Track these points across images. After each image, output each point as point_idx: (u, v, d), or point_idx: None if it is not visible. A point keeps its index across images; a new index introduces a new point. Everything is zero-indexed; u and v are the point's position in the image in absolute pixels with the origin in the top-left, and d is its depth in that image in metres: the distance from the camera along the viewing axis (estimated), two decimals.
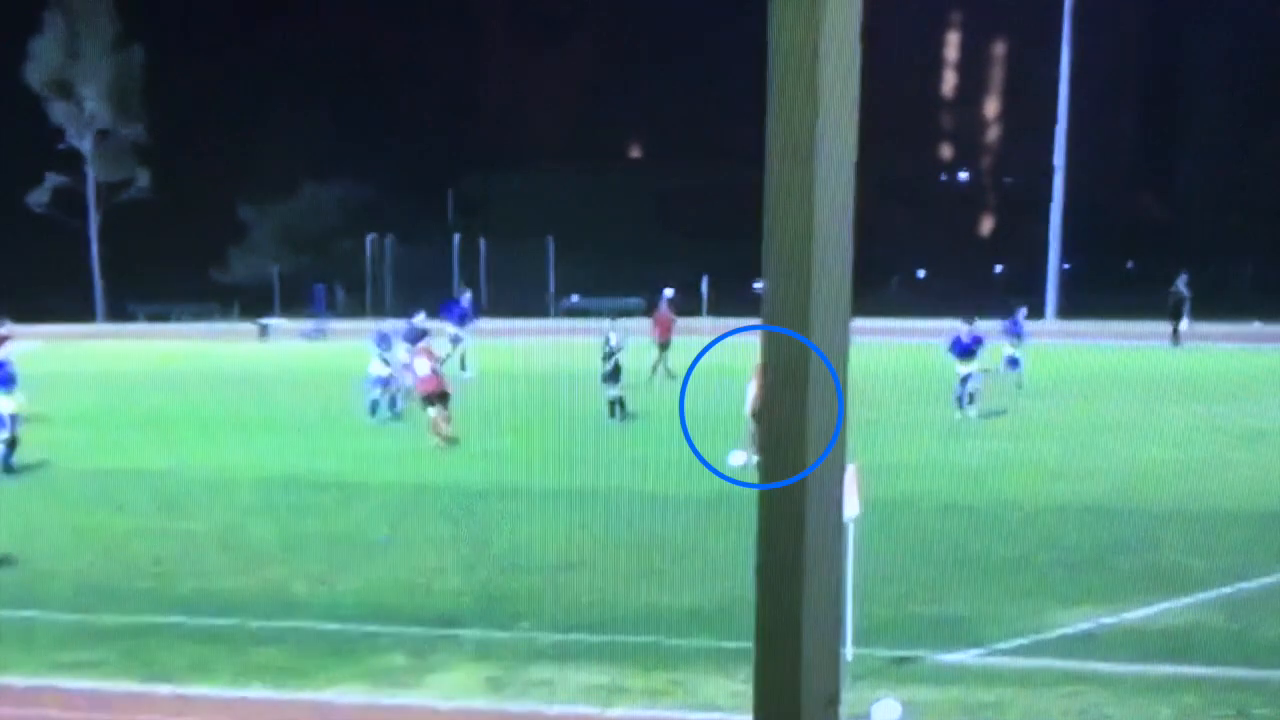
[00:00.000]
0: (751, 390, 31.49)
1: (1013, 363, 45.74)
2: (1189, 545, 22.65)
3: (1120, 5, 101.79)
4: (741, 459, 30.81)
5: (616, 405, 39.04)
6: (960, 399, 39.46)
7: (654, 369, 48.06)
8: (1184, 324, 63.68)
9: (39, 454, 31.98)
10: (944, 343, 40.72)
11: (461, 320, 50.89)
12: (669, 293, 55.98)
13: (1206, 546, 22.58)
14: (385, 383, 39.70)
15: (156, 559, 22.86)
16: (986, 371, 40.93)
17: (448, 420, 35.45)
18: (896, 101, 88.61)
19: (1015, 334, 47.31)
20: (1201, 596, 19.65)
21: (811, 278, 2.56)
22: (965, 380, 39.58)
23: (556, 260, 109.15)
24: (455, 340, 48.59)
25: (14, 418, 31.99)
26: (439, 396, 35.84)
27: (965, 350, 39.80)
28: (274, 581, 21.41)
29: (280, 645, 17.99)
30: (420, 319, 44.27)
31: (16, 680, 16.98)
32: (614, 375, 39.21)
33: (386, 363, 39.91)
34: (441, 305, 51.25)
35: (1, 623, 19.17)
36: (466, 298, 53.98)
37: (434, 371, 36.42)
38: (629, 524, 24.44)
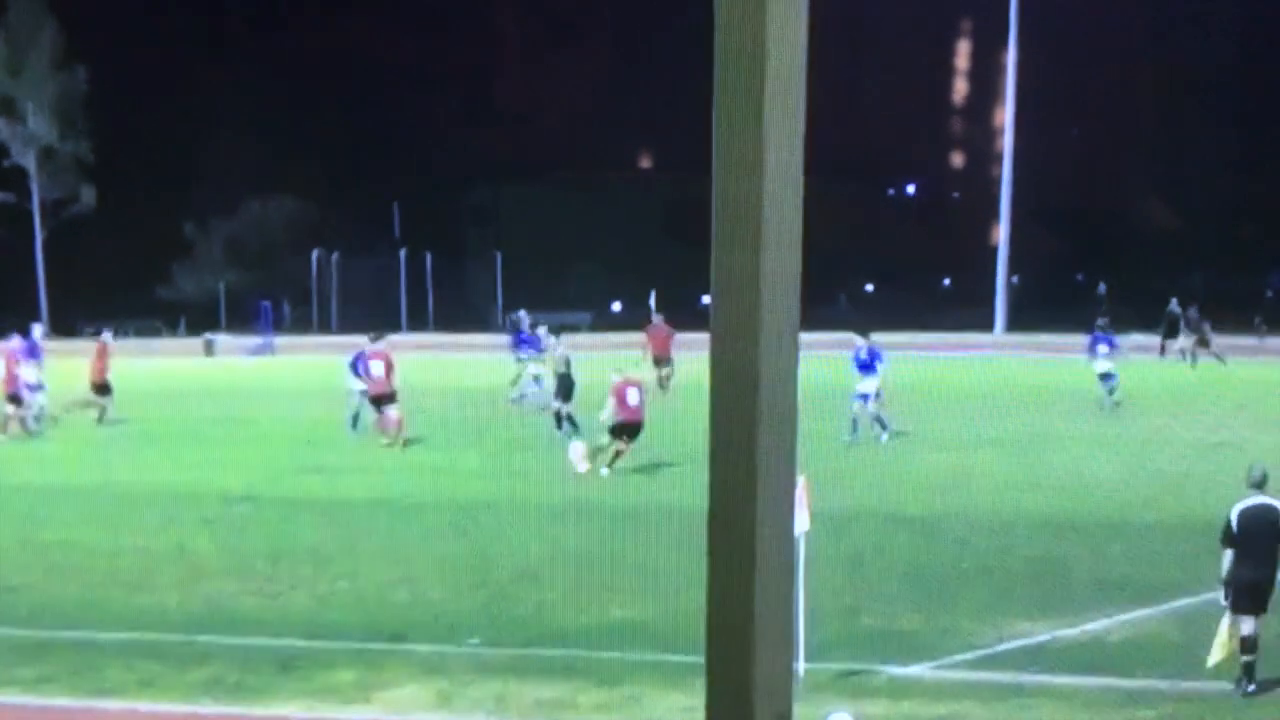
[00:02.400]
0: (611, 403, 32.69)
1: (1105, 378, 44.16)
2: (1142, 557, 22.72)
3: (1065, 21, 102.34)
4: (584, 466, 31.25)
5: (566, 419, 39.10)
6: (855, 421, 37.40)
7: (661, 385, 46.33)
8: (1182, 340, 63.93)
9: None
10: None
11: (522, 346, 49.19)
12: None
13: (1159, 558, 22.66)
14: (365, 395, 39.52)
15: (100, 574, 22.72)
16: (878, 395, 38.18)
17: (399, 423, 37.20)
18: (843, 116, 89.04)
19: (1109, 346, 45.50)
20: (1157, 609, 19.68)
21: (760, 290, 2.55)
22: (865, 399, 37.71)
23: (504, 275, 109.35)
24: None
25: None
26: (388, 398, 37.66)
27: (864, 366, 37.99)
28: (219, 597, 21.28)
29: (228, 661, 17.89)
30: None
31: None
32: (567, 391, 39.22)
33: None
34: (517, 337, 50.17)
35: None
36: (527, 323, 51.45)
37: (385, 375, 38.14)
38: (584, 537, 24.40)
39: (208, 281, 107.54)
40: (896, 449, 35.63)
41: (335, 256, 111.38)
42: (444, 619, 19.71)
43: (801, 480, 13.98)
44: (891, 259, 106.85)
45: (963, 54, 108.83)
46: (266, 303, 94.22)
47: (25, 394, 40.63)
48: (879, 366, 38.15)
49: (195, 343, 72.68)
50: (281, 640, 18.74)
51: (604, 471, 31.85)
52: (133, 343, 71.80)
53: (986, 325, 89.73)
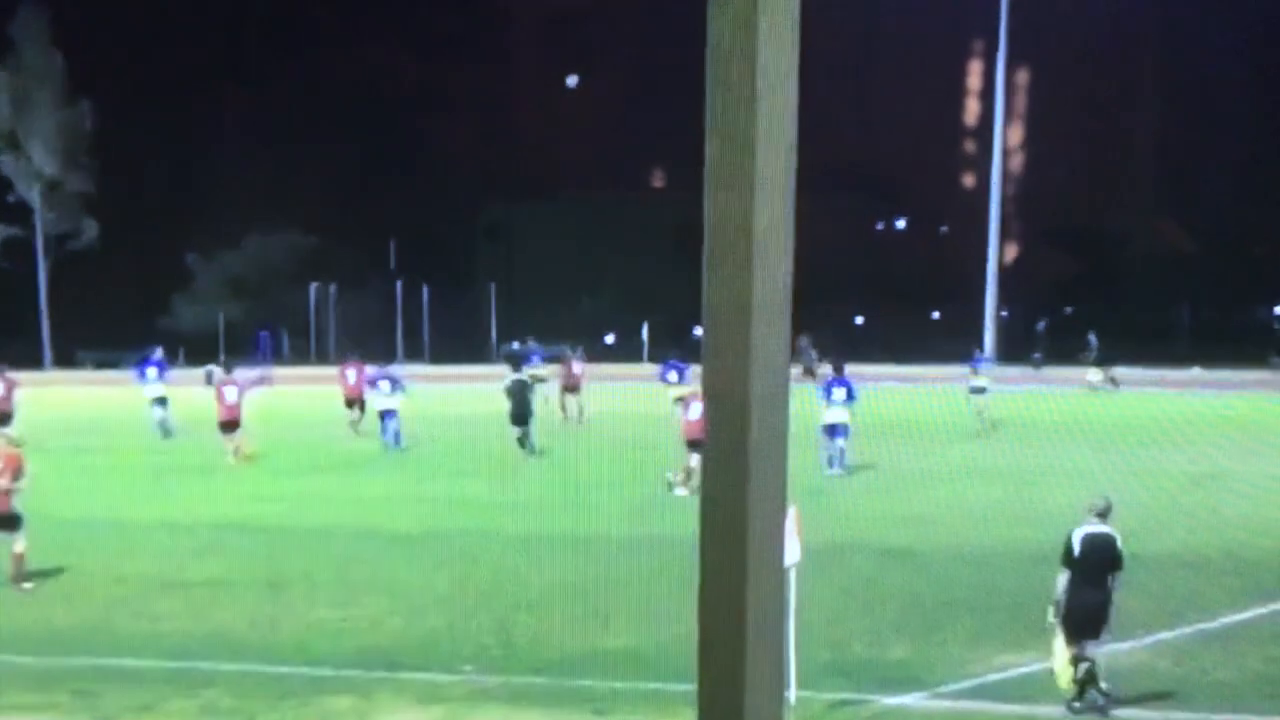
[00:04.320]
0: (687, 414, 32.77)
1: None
2: (1132, 588, 22.79)
3: (1052, 55, 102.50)
4: (683, 491, 31.28)
5: (525, 440, 41.56)
6: (832, 457, 37.26)
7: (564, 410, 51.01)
8: (1095, 373, 64.75)
9: None
10: (875, 387, 39.95)
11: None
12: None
13: (1149, 589, 22.74)
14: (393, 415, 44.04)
15: (101, 604, 22.79)
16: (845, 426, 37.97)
17: (240, 445, 40.74)
18: (835, 147, 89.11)
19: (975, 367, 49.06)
20: (1146, 640, 19.77)
21: (752, 317, 2.56)
22: (838, 433, 37.42)
23: (498, 307, 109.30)
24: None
25: None
26: (235, 423, 41.44)
27: (832, 397, 37.82)
28: (215, 624, 21.36)
29: (225, 687, 17.97)
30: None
31: None
32: (526, 415, 41.85)
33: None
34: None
35: None
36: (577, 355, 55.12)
37: (237, 403, 42.12)
38: (575, 567, 24.51)
39: (208, 313, 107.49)
40: (883, 481, 35.58)
41: (333, 288, 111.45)
42: (440, 647, 19.79)
43: (793, 510, 14.15)
44: (881, 292, 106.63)
45: (953, 87, 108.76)
46: (265, 333, 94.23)
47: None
48: (847, 400, 37.91)
49: (196, 373, 72.58)
50: (278, 667, 18.83)
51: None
52: (134, 373, 71.66)
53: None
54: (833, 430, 37.44)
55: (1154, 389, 62.02)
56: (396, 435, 43.90)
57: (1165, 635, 19.98)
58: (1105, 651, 17.63)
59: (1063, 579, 17.03)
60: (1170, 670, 18.49)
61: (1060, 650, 16.89)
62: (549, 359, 58.13)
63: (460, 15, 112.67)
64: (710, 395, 2.64)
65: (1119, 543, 16.98)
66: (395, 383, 45.20)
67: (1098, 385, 63.85)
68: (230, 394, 42.04)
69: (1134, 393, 60.43)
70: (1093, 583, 16.84)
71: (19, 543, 24.63)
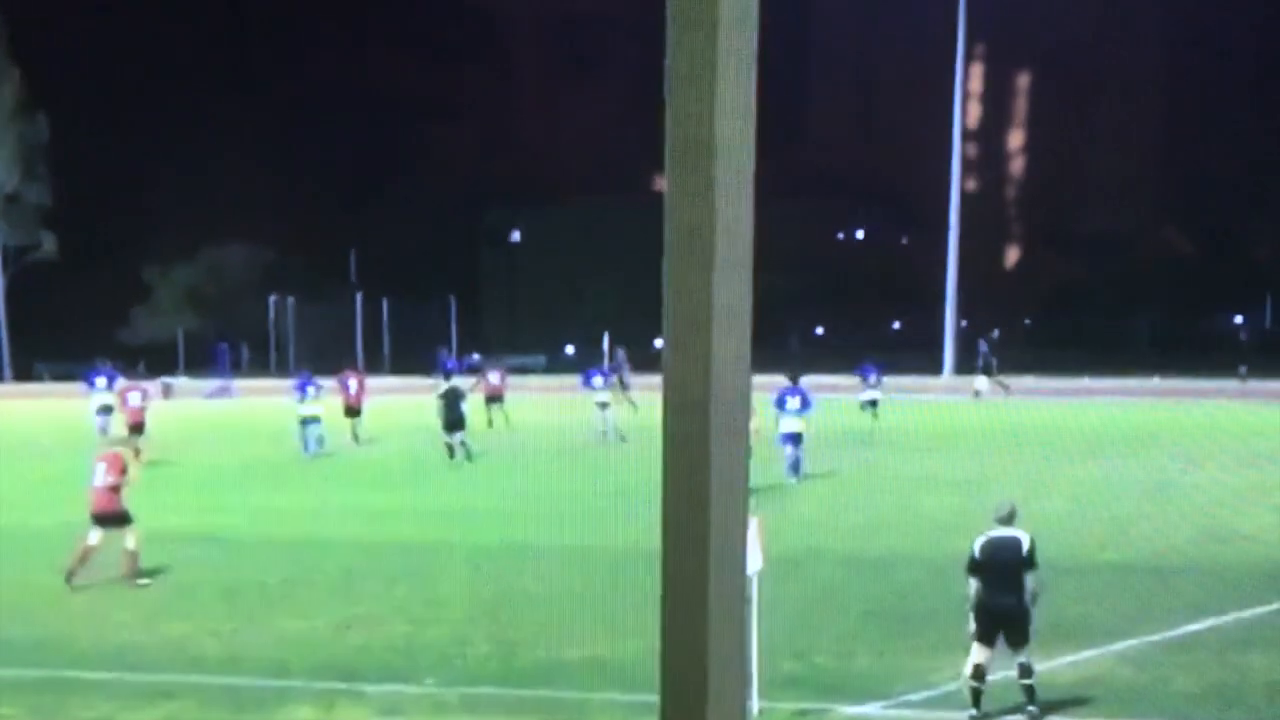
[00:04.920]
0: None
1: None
2: (1092, 597, 22.86)
3: (1010, 62, 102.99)
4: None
5: (458, 447, 43.09)
6: (794, 464, 37.46)
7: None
8: (982, 381, 65.35)
9: None
10: (842, 397, 40.38)
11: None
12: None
13: (1110, 598, 22.82)
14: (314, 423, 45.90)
15: (59, 616, 22.69)
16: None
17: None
18: (794, 157, 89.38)
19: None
20: (1107, 649, 19.82)
21: (712, 323, 2.57)
22: (793, 441, 37.58)
23: (459, 319, 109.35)
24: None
25: None
26: (142, 425, 43.32)
27: (785, 407, 37.84)
28: (175, 636, 21.29)
29: (186, 699, 17.90)
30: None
31: None
32: (459, 422, 43.52)
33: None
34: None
35: None
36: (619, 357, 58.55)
37: (141, 407, 44.53)
38: (536, 576, 24.55)
39: (166, 325, 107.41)
40: (846, 490, 35.73)
41: (291, 301, 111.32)
42: (400, 658, 19.76)
43: (755, 520, 14.15)
44: (841, 302, 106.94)
45: (910, 96, 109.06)
46: (224, 346, 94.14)
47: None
48: (803, 408, 37.98)
49: (154, 386, 72.69)
50: (238, 679, 18.77)
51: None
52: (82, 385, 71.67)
53: (935, 368, 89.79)
54: (788, 439, 37.54)
55: (1108, 398, 62.24)
56: (319, 440, 45.49)
57: (1126, 644, 20.02)
58: (1067, 662, 17.68)
59: (972, 585, 17.12)
60: (1133, 679, 18.52)
61: (973, 654, 16.99)
62: (468, 369, 62.74)
63: (430, 19, 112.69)
64: (670, 402, 2.62)
65: (1025, 545, 16.98)
66: (318, 388, 46.93)
67: (985, 394, 64.17)
68: (134, 399, 44.53)
69: (1078, 402, 60.67)
70: (1001, 587, 16.89)
71: (130, 539, 25.22)
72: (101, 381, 50.62)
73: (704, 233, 2.53)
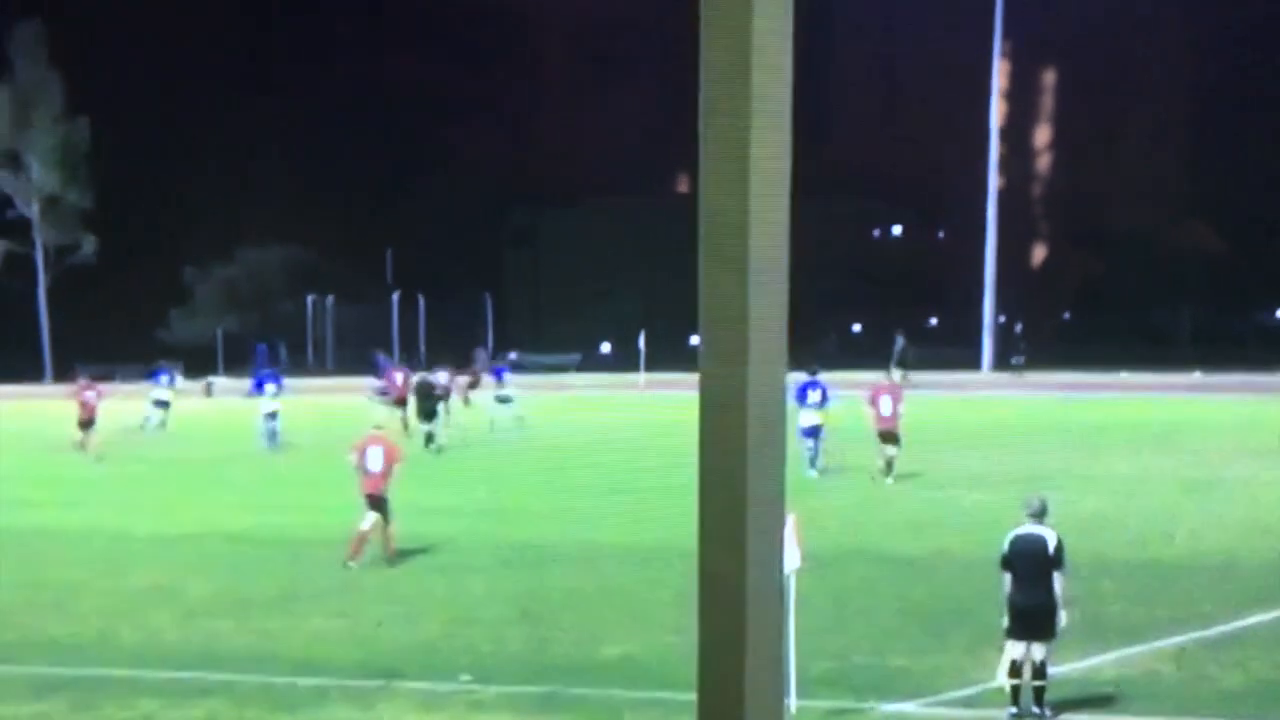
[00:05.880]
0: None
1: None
2: (1132, 594, 22.76)
3: (1047, 60, 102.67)
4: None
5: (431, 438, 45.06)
6: (812, 458, 37.39)
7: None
8: (897, 375, 64.77)
9: None
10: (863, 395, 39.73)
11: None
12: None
13: (1152, 595, 22.74)
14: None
15: (100, 614, 22.75)
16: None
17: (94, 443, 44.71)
18: (829, 156, 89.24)
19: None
20: (1149, 646, 19.72)
21: (749, 328, 2.54)
22: (813, 435, 37.48)
23: (495, 318, 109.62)
24: None
25: None
26: (90, 423, 46.46)
27: (806, 400, 37.53)
28: (213, 634, 21.33)
29: (225, 698, 17.93)
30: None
31: None
32: (434, 413, 45.77)
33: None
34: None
35: None
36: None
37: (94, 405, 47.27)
38: (568, 573, 24.57)
39: (206, 326, 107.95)
40: (884, 488, 35.64)
41: (330, 300, 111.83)
42: (436, 656, 19.76)
43: (791, 517, 14.12)
44: (878, 300, 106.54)
45: (948, 92, 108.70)
46: (263, 345, 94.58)
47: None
48: (821, 401, 37.90)
49: (195, 385, 73.27)
50: (278, 677, 18.79)
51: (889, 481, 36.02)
52: (133, 386, 72.18)
53: (974, 364, 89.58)
54: (807, 432, 37.44)
55: (1096, 393, 61.96)
56: (273, 434, 47.41)
57: (1168, 641, 19.92)
58: (1109, 659, 17.65)
59: (1005, 581, 17.06)
60: (1174, 676, 18.44)
61: (1007, 651, 16.91)
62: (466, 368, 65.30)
63: (467, 23, 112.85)
64: (707, 402, 2.59)
65: (1051, 543, 16.90)
66: (279, 384, 49.68)
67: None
68: (90, 397, 47.37)
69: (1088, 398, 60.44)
70: (1029, 583, 16.84)
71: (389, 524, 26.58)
72: (164, 379, 56.85)
73: (738, 232, 2.53)
